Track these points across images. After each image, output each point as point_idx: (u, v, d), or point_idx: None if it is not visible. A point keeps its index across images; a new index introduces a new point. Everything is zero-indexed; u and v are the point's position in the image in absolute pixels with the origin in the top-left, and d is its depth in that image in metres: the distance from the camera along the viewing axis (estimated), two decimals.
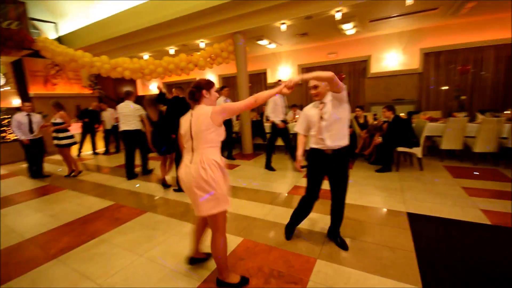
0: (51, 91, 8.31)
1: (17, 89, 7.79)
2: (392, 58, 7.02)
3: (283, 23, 5.15)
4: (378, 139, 4.57)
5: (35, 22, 8.07)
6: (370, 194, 3.46)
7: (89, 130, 7.35)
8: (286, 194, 3.66)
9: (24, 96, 7.78)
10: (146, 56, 7.47)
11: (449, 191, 3.41)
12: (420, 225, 2.58)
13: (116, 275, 2.13)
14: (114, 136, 7.61)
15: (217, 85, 9.54)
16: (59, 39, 8.21)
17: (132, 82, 12.22)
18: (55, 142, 5.00)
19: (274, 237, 2.54)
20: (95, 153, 7.55)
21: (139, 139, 4.68)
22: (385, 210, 2.98)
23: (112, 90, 11.27)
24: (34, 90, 7.94)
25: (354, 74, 7.61)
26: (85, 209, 3.57)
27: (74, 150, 7.74)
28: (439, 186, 3.60)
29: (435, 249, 2.18)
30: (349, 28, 5.87)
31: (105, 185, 4.65)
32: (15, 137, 7.09)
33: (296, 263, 2.10)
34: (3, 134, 7.44)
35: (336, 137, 2.04)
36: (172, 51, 6.95)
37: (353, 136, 5.17)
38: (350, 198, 3.34)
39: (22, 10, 6.55)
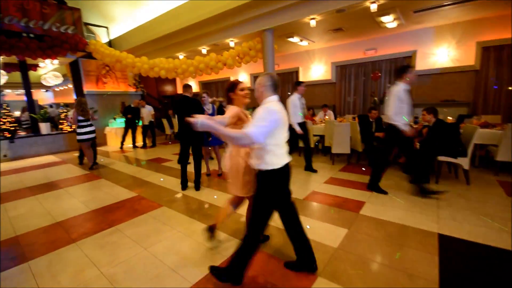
0: (101, 88, 9.19)
1: (74, 86, 8.78)
2: (442, 54, 6.17)
3: (313, 18, 4.86)
4: (416, 146, 4.03)
5: (91, 27, 9.01)
6: (398, 207, 3.04)
7: (130, 125, 7.94)
8: (302, 199, 3.43)
9: (80, 93, 8.74)
10: (181, 56, 7.78)
11: (499, 212, 2.82)
12: (453, 251, 2.15)
13: (119, 265, 2.19)
14: (151, 131, 8.14)
15: (249, 84, 9.52)
16: (110, 42, 9.04)
17: (173, 81, 12.96)
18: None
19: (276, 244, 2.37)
20: (134, 146, 8.14)
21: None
22: (412, 228, 2.57)
23: (154, 88, 12.10)
24: (88, 88, 8.85)
25: (395, 72, 6.89)
26: (112, 198, 3.82)
27: (116, 143, 8.53)
28: (487, 205, 3.01)
29: (466, 285, 1.77)
30: (389, 21, 5.30)
31: (135, 176, 4.94)
32: (71, 129, 8.02)
33: (293, 279, 1.91)
34: (61, 126, 8.47)
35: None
36: (204, 50, 7.12)
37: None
38: (373, 210, 2.98)
39: (77, 16, 7.35)
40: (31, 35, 6.52)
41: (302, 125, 4.33)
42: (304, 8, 4.76)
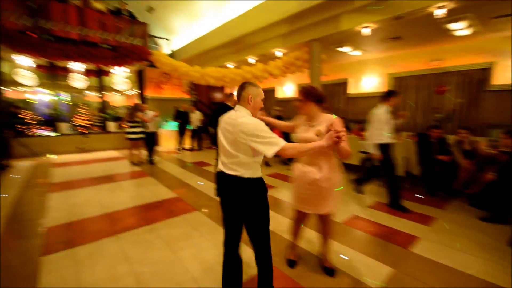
0: (160, 94, 10.11)
1: (139, 92, 9.83)
2: None
3: (366, 27, 4.50)
4: (490, 175, 3.34)
5: (156, 39, 10.05)
6: (463, 251, 2.50)
7: (181, 129, 8.49)
8: (340, 222, 3.11)
9: (142, 98, 9.74)
10: (231, 65, 8.08)
11: None
12: None
13: (148, 265, 2.25)
14: (198, 135, 8.58)
15: (294, 94, 9.35)
16: (172, 53, 9.91)
17: (223, 89, 13.57)
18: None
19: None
20: (183, 149, 8.66)
21: None
22: (478, 279, 2.07)
23: (206, 95, 12.83)
24: (149, 93, 9.83)
25: (466, 86, 5.95)
26: (154, 196, 4.05)
27: (167, 144, 9.19)
28: None
29: None
30: (460, 28, 4.59)
31: (177, 177, 5.20)
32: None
33: None
34: (124, 126, 9.51)
35: None
36: (252, 60, 7.25)
37: (452, 166, 3.98)
38: (429, 249, 2.50)
39: (145, 29, 8.25)
40: (107, 46, 7.55)
41: (386, 147, 3.40)
42: (356, 16, 4.45)
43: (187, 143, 8.83)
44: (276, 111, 6.84)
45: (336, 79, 8.12)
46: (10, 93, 7.92)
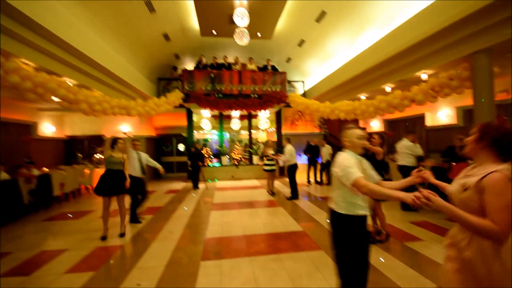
0: (293, 130, 11.04)
1: (276, 129, 11.23)
2: None
3: None
4: None
5: (292, 83, 11.34)
6: None
7: (310, 161, 8.76)
8: None
9: (279, 134, 11.01)
10: (362, 97, 7.65)
11: None
12: None
13: None
14: (328, 169, 8.43)
15: (454, 120, 7.41)
16: (304, 93, 10.80)
17: (355, 121, 12.88)
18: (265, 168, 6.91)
19: None
20: (316, 182, 8.77)
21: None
22: None
23: (336, 129, 12.65)
24: (285, 129, 10.99)
25: None
26: (283, 227, 4.31)
27: (299, 176, 9.60)
28: None
29: None
30: None
31: (305, 211, 5.28)
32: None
33: None
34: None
35: None
36: (388, 88, 6.54)
37: None
38: None
39: (284, 77, 9.64)
40: (255, 96, 9.36)
41: None
42: None
43: (317, 176, 8.87)
44: (459, 140, 4.97)
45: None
46: (197, 135, 11.39)
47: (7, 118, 6.76)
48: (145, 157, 4.93)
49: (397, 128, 10.04)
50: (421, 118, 8.63)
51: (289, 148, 6.55)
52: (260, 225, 4.42)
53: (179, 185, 8.93)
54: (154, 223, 4.66)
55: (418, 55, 4.98)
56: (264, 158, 7.15)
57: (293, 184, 6.43)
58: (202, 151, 9.04)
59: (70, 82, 5.11)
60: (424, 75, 5.45)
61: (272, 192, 7.04)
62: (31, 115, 7.73)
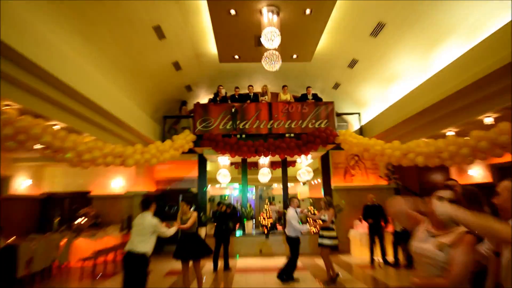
0: (348, 182, 10.75)
1: (323, 181, 11.02)
2: None
3: None
4: None
5: (343, 117, 11.45)
6: None
7: (375, 231, 8.26)
8: None
9: (327, 189, 10.76)
10: (450, 132, 7.39)
11: None
12: None
13: None
14: (405, 242, 7.77)
15: None
16: (361, 129, 10.77)
17: (444, 168, 12.16)
18: (319, 240, 6.49)
19: None
20: (385, 262, 8.12)
21: None
22: None
23: (415, 179, 12.03)
24: (335, 181, 10.75)
25: None
26: None
27: (361, 253, 8.98)
28: None
29: None
30: None
31: None
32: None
33: None
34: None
35: None
36: (488, 119, 6.26)
37: None
38: None
39: (330, 109, 9.80)
40: (292, 135, 9.53)
41: None
42: None
43: (388, 253, 8.21)
44: None
45: None
46: (211, 190, 11.59)
47: None
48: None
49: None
50: None
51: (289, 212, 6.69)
52: None
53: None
54: None
55: None
56: (316, 224, 6.91)
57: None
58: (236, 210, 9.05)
59: (57, 125, 5.74)
60: None
61: (332, 279, 6.53)
62: (4, 168, 8.57)
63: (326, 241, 6.48)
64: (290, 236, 6.61)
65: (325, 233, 6.55)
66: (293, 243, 6.59)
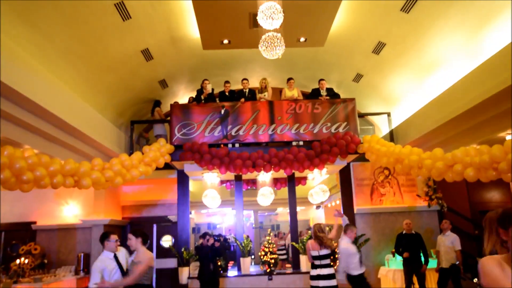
0: (376, 204, 10.63)
1: (343, 203, 10.88)
2: None
3: None
4: None
5: (368, 117, 11.39)
6: None
7: (413, 267, 8.18)
8: None
9: (349, 212, 10.61)
10: (509, 136, 7.33)
11: None
12: None
13: None
14: (454, 279, 7.82)
15: None
16: (391, 134, 10.69)
17: (502, 184, 12.10)
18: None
19: None
20: None
21: None
22: None
23: (464, 199, 11.96)
24: (359, 204, 10.63)
25: None
26: None
27: None
28: None
29: None
30: None
31: None
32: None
33: None
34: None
35: None
36: None
37: None
38: None
39: (351, 108, 9.71)
40: (300, 143, 9.44)
41: None
42: None
43: None
44: None
45: None
46: (195, 217, 11.45)
47: None
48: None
49: None
50: None
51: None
52: None
53: None
54: None
55: None
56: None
57: None
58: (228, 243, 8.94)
59: None
60: None
61: None
62: None
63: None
64: (353, 274, 6.63)
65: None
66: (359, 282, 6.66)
